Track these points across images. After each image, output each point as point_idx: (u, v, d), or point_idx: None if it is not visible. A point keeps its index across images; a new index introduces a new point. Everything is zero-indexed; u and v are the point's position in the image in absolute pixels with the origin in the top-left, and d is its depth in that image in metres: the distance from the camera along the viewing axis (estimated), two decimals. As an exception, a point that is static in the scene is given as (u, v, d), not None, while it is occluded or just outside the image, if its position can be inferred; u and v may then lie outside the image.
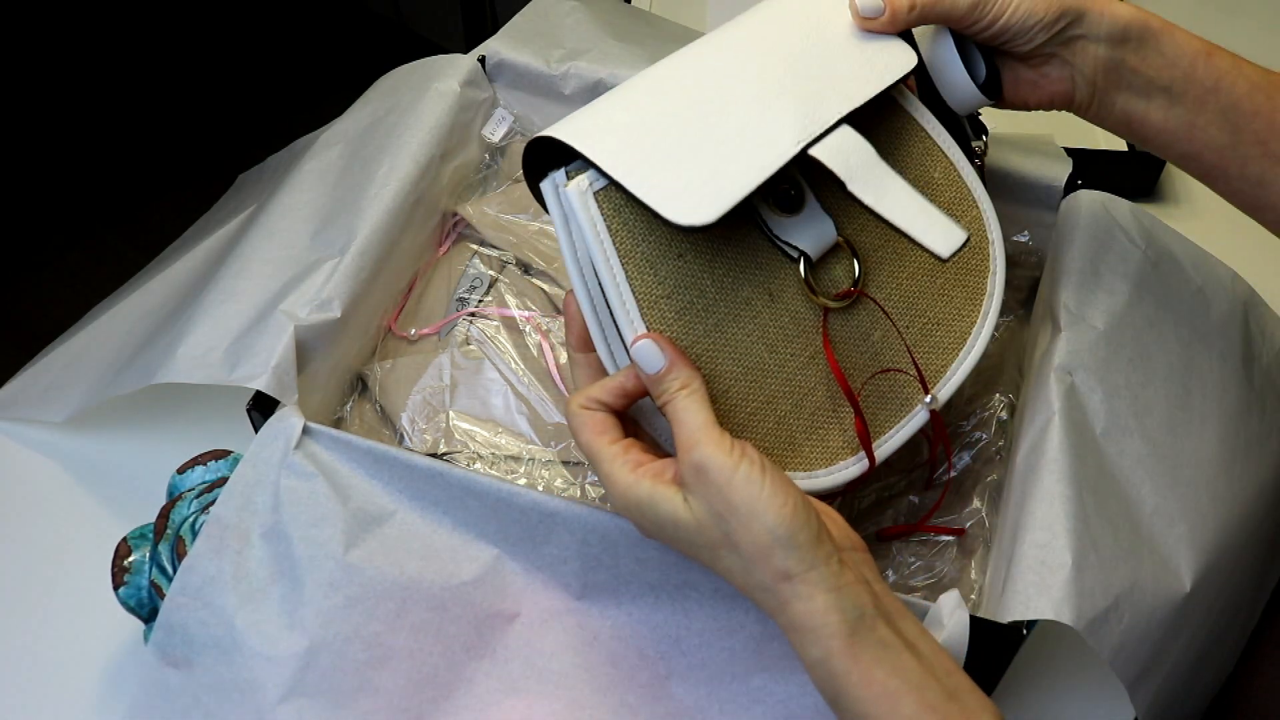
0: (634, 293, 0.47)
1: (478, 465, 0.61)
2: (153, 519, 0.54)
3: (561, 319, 0.63)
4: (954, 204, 0.55)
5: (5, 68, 1.96)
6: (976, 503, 0.60)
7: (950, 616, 0.46)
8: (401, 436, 0.63)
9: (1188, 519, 0.55)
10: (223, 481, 0.53)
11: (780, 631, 0.49)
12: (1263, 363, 0.64)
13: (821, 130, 0.49)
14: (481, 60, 0.75)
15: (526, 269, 0.71)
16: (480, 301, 0.69)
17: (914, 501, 0.61)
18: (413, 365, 0.65)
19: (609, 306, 0.47)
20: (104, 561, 0.54)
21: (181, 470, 0.56)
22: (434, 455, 0.60)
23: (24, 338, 1.55)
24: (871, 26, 0.53)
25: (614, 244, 0.47)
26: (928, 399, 0.53)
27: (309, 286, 0.59)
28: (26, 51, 2.01)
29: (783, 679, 0.50)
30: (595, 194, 0.47)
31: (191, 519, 0.53)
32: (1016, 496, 0.54)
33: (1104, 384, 0.57)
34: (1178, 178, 0.88)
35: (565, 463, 0.62)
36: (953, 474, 0.62)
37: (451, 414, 0.63)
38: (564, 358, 0.66)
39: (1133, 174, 0.86)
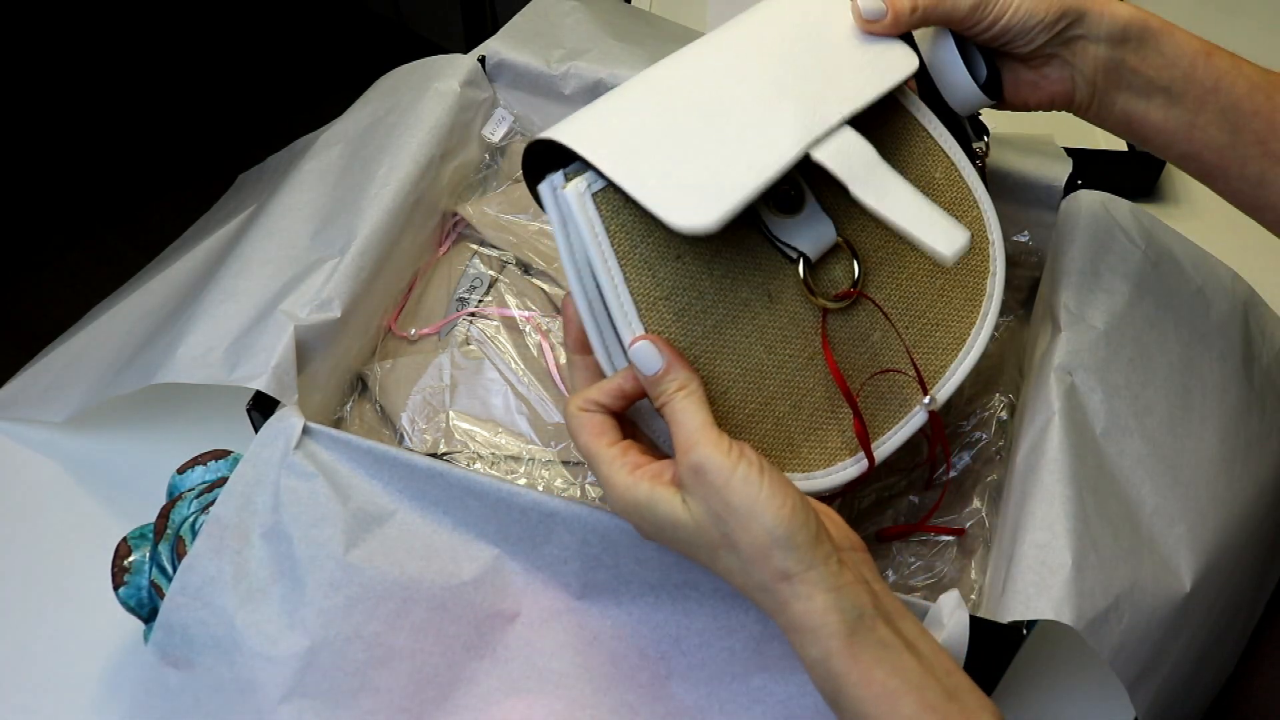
0: (632, 294, 0.47)
1: (478, 465, 0.61)
2: (153, 519, 0.54)
3: (562, 319, 0.63)
4: (955, 204, 0.55)
5: (5, 68, 1.96)
6: (976, 503, 0.60)
7: (950, 616, 0.46)
8: (401, 436, 0.63)
9: (1188, 519, 0.55)
10: (223, 481, 0.53)
11: (780, 632, 0.49)
12: (1263, 363, 0.64)
13: (823, 132, 0.49)
14: (481, 60, 0.75)
15: (526, 269, 0.71)
16: (480, 301, 0.69)
17: (914, 501, 0.61)
18: (413, 365, 0.65)
19: (606, 308, 0.47)
20: (104, 561, 0.54)
21: (181, 470, 0.56)
22: (434, 455, 0.60)
23: (24, 338, 1.55)
24: (874, 29, 0.53)
25: (612, 246, 0.47)
26: (926, 400, 0.53)
27: (309, 286, 0.59)
28: (26, 51, 2.01)
29: (783, 679, 0.50)
30: (593, 195, 0.47)
31: (191, 519, 0.53)
32: (1016, 496, 0.54)
33: (1104, 384, 0.57)
34: (1178, 178, 0.88)
35: (565, 463, 0.62)
36: (952, 474, 0.62)
37: (451, 414, 0.63)
38: (564, 358, 0.66)
39: (1133, 174, 0.86)
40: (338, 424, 0.63)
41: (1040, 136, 0.72)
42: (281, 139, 0.81)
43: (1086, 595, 0.48)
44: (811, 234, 0.51)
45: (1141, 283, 0.62)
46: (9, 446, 0.67)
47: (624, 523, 0.49)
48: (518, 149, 0.76)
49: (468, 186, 0.74)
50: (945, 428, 0.63)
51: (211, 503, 0.52)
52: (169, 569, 0.52)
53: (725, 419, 0.48)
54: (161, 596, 0.51)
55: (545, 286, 0.70)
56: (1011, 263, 0.69)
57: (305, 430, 0.52)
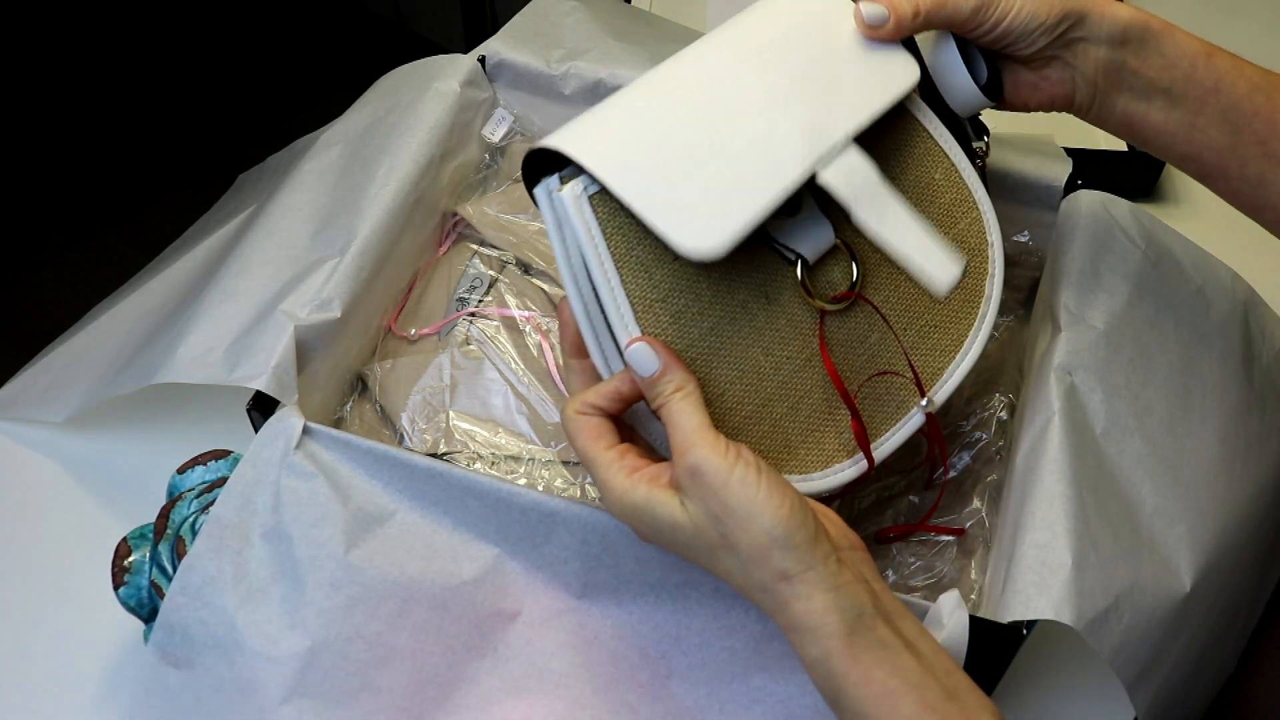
0: (628, 296, 0.47)
1: (478, 465, 0.61)
2: (153, 519, 0.54)
3: (558, 324, 0.63)
4: (954, 205, 0.55)
5: (5, 68, 1.96)
6: (976, 503, 0.60)
7: (950, 616, 0.46)
8: (401, 436, 0.63)
9: (1188, 519, 0.55)
10: (223, 481, 0.53)
11: (780, 631, 0.49)
12: (1263, 363, 0.64)
13: (828, 151, 0.49)
14: (481, 60, 0.75)
15: (526, 269, 0.71)
16: (480, 301, 0.69)
17: (914, 501, 0.61)
18: (413, 365, 0.65)
19: (603, 311, 0.47)
20: (104, 561, 0.54)
21: (181, 470, 0.56)
22: (434, 455, 0.60)
23: (24, 338, 1.55)
24: (876, 34, 0.52)
25: (608, 247, 0.47)
26: (924, 402, 0.53)
27: (309, 286, 0.59)
28: (26, 51, 2.01)
29: (783, 679, 0.50)
30: (590, 198, 0.47)
31: (191, 519, 0.53)
32: (1016, 496, 0.54)
33: (1104, 384, 0.57)
34: (1178, 178, 0.88)
35: (565, 463, 0.62)
36: (952, 474, 0.62)
37: (451, 414, 0.63)
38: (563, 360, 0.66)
39: (1133, 174, 0.86)
40: (338, 424, 0.63)
41: (1040, 136, 0.72)
42: (281, 139, 0.81)
43: (1086, 595, 0.48)
44: (810, 236, 0.51)
45: (1141, 283, 0.62)
46: (9, 446, 0.67)
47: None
48: (518, 149, 0.76)
49: (468, 186, 0.74)
50: (945, 428, 0.63)
51: (211, 503, 0.52)
52: (169, 569, 0.52)
53: (722, 421, 0.48)
54: (161, 596, 0.51)
55: (545, 286, 0.70)
56: (1011, 263, 0.69)
57: (305, 430, 0.52)
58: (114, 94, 1.98)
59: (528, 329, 0.67)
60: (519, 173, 0.75)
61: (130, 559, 0.54)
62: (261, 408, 0.53)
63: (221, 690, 0.49)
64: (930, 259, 0.49)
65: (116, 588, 0.53)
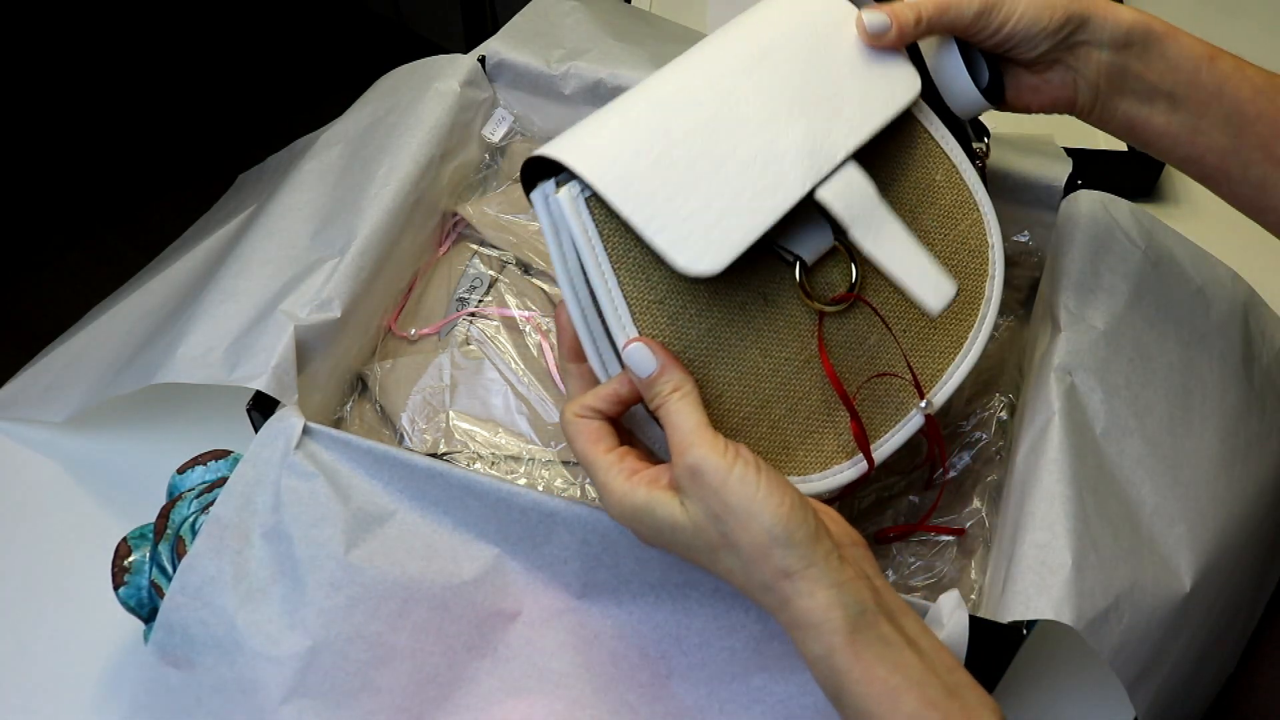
0: (626, 298, 0.47)
1: (478, 465, 0.61)
2: (153, 519, 0.54)
3: (555, 328, 0.63)
4: (955, 207, 0.55)
5: (5, 68, 1.96)
6: (976, 503, 0.60)
7: (950, 616, 0.46)
8: (401, 436, 0.63)
9: (1188, 519, 0.55)
10: (223, 481, 0.53)
11: (780, 631, 0.49)
12: (1263, 363, 0.64)
13: (830, 169, 0.49)
14: (481, 60, 0.75)
15: (526, 269, 0.71)
16: (480, 301, 0.69)
17: (914, 501, 0.61)
18: (413, 365, 0.65)
19: (600, 315, 0.47)
20: (104, 561, 0.54)
21: (181, 470, 0.56)
22: (434, 455, 0.60)
23: (24, 338, 1.55)
24: (879, 44, 0.52)
25: (605, 250, 0.47)
26: (923, 404, 0.53)
27: (309, 286, 0.59)
28: (26, 51, 2.01)
29: (783, 678, 0.50)
30: (586, 200, 0.47)
31: (191, 519, 0.53)
32: (1016, 496, 0.54)
33: (1104, 384, 0.57)
34: (1178, 178, 0.88)
35: (565, 463, 0.62)
36: (952, 474, 0.62)
37: (451, 414, 0.63)
38: (564, 358, 0.66)
39: (1133, 174, 0.86)
40: (338, 424, 0.63)
41: (1040, 136, 0.72)
42: (281, 139, 0.81)
43: (1086, 595, 0.48)
44: (809, 238, 0.50)
45: (1141, 283, 0.62)
46: (9, 446, 0.67)
47: (624, 523, 0.49)
48: (518, 149, 0.76)
49: (468, 186, 0.74)
50: (945, 428, 0.63)
51: (211, 503, 0.52)
52: (169, 569, 0.52)
53: (720, 422, 0.48)
54: (161, 596, 0.51)
55: (545, 286, 0.70)
56: (1011, 263, 0.69)
57: (305, 430, 0.52)
58: (114, 94, 1.98)
59: (528, 329, 0.67)
60: (519, 173, 0.75)
61: (130, 559, 0.54)
62: (261, 408, 0.53)
63: (222, 690, 0.49)
64: (924, 280, 0.49)
65: (116, 588, 0.53)
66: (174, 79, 2.02)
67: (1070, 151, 0.71)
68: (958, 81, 0.55)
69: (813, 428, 0.50)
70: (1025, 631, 0.48)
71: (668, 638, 0.51)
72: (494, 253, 0.71)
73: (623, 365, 0.48)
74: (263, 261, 0.61)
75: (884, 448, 0.52)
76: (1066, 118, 0.58)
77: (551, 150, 0.46)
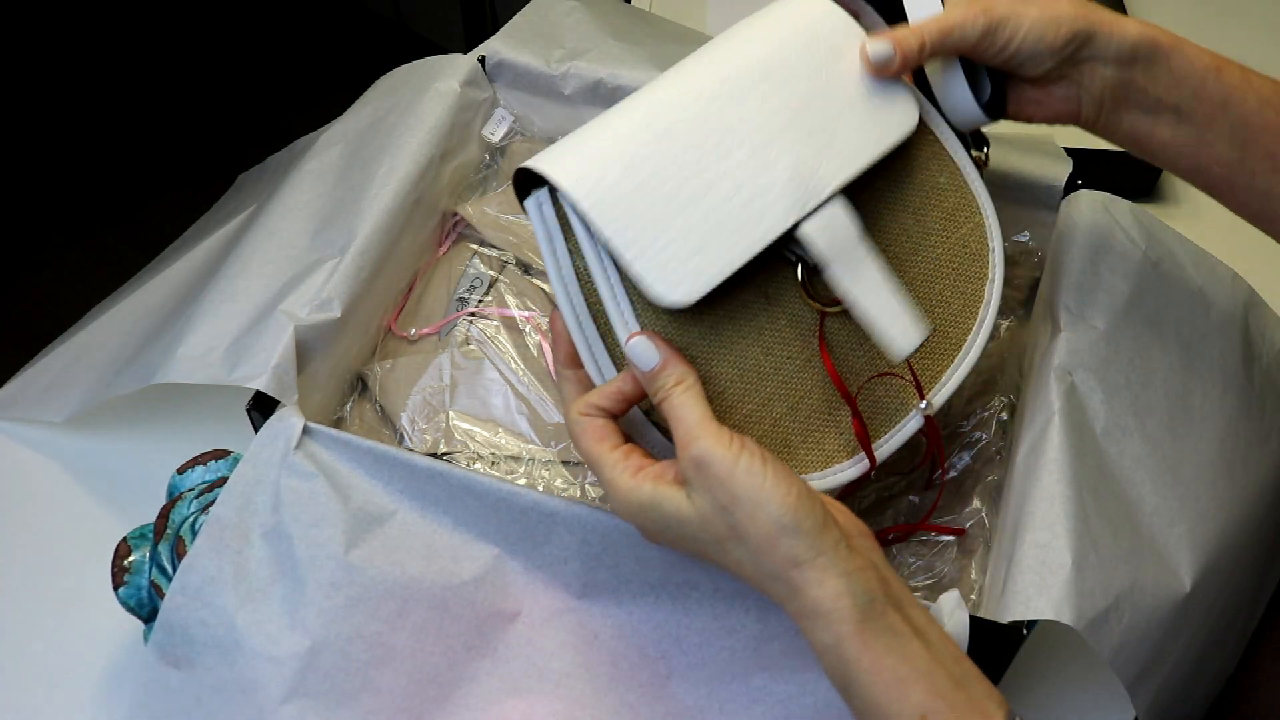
0: (629, 295, 0.47)
1: (478, 465, 0.61)
2: (153, 519, 0.54)
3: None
4: (957, 210, 0.55)
5: (5, 68, 1.96)
6: (976, 503, 0.60)
7: (950, 616, 0.46)
8: (401, 436, 0.63)
9: (1188, 519, 0.55)
10: (223, 481, 0.53)
11: (780, 632, 0.49)
12: (1263, 363, 0.64)
13: (816, 204, 0.49)
14: (481, 60, 0.75)
15: (526, 269, 0.71)
16: (480, 301, 0.69)
17: (914, 501, 0.61)
18: (413, 365, 0.65)
19: (594, 320, 0.48)
20: (104, 561, 0.54)
21: (181, 470, 0.56)
22: (434, 455, 0.60)
23: (24, 338, 1.55)
24: (883, 74, 0.52)
25: (608, 250, 0.47)
26: (923, 404, 0.53)
27: (309, 286, 0.59)
28: (26, 51, 2.01)
29: (783, 678, 0.50)
30: None
31: (191, 519, 0.53)
32: (1016, 496, 0.54)
33: (1104, 384, 0.57)
34: (1178, 178, 0.88)
35: (565, 463, 0.62)
36: (952, 474, 0.62)
37: (451, 414, 0.63)
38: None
39: (1133, 174, 0.86)
40: (338, 424, 0.63)
41: (1040, 136, 0.72)
42: (281, 139, 0.81)
43: (1086, 595, 0.48)
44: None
45: (1141, 283, 0.62)
46: (9, 446, 0.67)
47: (624, 523, 0.49)
48: (518, 149, 0.76)
49: (468, 186, 0.74)
50: (945, 428, 0.63)
51: (211, 503, 0.52)
52: (169, 569, 0.52)
53: (721, 420, 0.48)
54: (161, 596, 0.51)
55: (545, 286, 0.70)
56: (1011, 263, 0.69)
57: (305, 430, 0.52)
58: (114, 94, 1.98)
59: (528, 329, 0.67)
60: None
61: (130, 559, 0.54)
62: (261, 408, 0.53)
63: (222, 690, 0.49)
64: (893, 325, 0.49)
65: (116, 588, 0.53)
66: (174, 79, 2.02)
67: (1070, 151, 0.71)
68: (958, 96, 0.54)
69: (814, 426, 0.51)
70: (1025, 631, 0.48)
71: (668, 638, 0.51)
72: (494, 253, 0.71)
73: (618, 369, 0.48)
74: (263, 261, 0.61)
75: (884, 448, 0.52)
76: (1067, 118, 0.57)
77: (538, 164, 0.47)
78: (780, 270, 0.50)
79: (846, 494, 0.60)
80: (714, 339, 0.48)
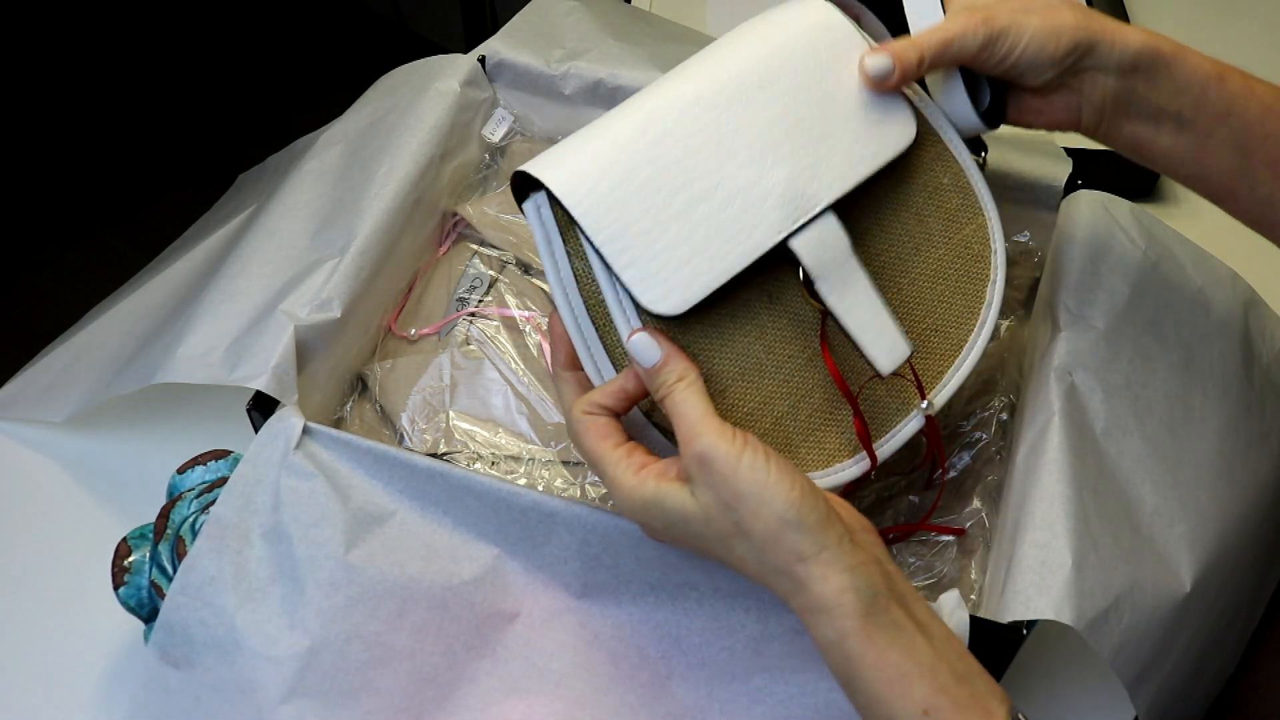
0: (631, 295, 0.47)
1: (478, 465, 0.61)
2: (153, 519, 0.54)
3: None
4: (960, 211, 0.55)
5: (5, 68, 1.96)
6: (976, 503, 0.60)
7: (950, 616, 0.46)
8: (401, 436, 0.63)
9: (1188, 519, 0.55)
10: (223, 481, 0.53)
11: (780, 632, 0.49)
12: (1263, 363, 0.64)
13: (807, 218, 0.49)
14: (481, 60, 0.75)
15: (526, 269, 0.71)
16: (480, 301, 0.69)
17: (914, 501, 0.61)
18: (413, 365, 0.65)
19: (593, 322, 0.48)
20: (104, 561, 0.54)
21: (181, 470, 0.56)
22: (434, 455, 0.60)
23: (24, 338, 1.55)
24: (880, 88, 0.51)
25: (600, 257, 0.47)
26: (924, 404, 0.53)
27: (309, 286, 0.59)
28: (26, 51, 2.01)
29: (783, 679, 0.50)
30: None
31: (191, 519, 0.53)
32: (1016, 496, 0.54)
33: (1104, 384, 0.57)
34: (1178, 178, 0.88)
35: (565, 463, 0.62)
36: (952, 474, 0.62)
37: (451, 414, 0.63)
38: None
39: (1133, 174, 0.85)
40: (338, 424, 0.63)
41: (1040, 137, 0.72)
42: (281, 139, 0.81)
43: (1086, 595, 0.48)
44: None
45: (1141, 283, 0.62)
46: (9, 446, 0.67)
47: (624, 522, 0.49)
48: (518, 149, 0.76)
49: (468, 186, 0.74)
50: (945, 428, 0.63)
51: (211, 503, 0.52)
52: (169, 569, 0.52)
53: (723, 418, 0.48)
54: (161, 596, 0.51)
55: (545, 286, 0.70)
56: (1011, 263, 0.69)
57: (305, 430, 0.52)
58: (114, 94, 1.98)
59: (528, 329, 0.67)
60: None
61: (130, 559, 0.54)
62: (261, 408, 0.53)
63: (221, 690, 0.49)
64: (879, 341, 0.49)
65: (116, 588, 0.53)
66: (174, 79, 2.02)
67: (1070, 151, 0.71)
68: (958, 104, 0.54)
69: (815, 425, 0.51)
70: (1025, 631, 0.48)
71: (668, 638, 0.51)
72: (494, 253, 0.71)
73: (617, 370, 0.48)
74: (263, 261, 0.61)
75: (885, 447, 0.52)
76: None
77: (535, 169, 0.47)
78: (782, 269, 0.50)
79: (847, 493, 0.60)
80: (716, 336, 0.49)
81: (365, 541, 0.50)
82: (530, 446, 0.62)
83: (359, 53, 2.09)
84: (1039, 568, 0.49)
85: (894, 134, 0.52)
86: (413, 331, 0.67)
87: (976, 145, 0.58)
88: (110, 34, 2.06)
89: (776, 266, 0.50)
